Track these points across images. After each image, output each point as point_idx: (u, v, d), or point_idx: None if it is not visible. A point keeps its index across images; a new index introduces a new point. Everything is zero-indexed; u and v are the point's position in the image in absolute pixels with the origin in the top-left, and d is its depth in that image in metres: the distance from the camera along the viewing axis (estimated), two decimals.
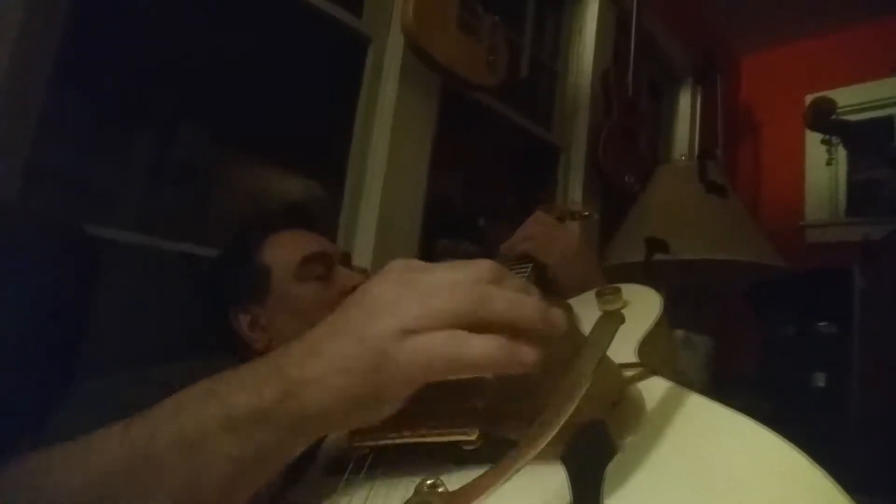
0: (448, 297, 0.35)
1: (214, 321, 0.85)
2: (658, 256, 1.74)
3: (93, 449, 0.38)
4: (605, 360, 0.36)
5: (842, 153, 2.89)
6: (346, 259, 0.90)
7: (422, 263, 0.39)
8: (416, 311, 0.35)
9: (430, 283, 0.36)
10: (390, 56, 1.51)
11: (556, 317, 0.36)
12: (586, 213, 0.98)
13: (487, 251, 1.73)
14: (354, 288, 0.80)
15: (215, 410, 0.36)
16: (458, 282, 0.36)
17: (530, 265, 0.78)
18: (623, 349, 0.44)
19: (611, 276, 0.83)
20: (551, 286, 0.83)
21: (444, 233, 1.63)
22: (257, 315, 0.83)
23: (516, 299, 0.36)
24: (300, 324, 0.79)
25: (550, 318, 0.36)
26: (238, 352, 0.81)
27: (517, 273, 0.76)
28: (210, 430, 0.35)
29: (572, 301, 0.61)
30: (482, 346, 0.34)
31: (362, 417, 0.37)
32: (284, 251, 0.85)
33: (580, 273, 0.82)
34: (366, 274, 0.89)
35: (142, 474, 0.36)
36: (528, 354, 0.34)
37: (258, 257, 0.85)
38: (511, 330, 0.35)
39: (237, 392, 0.36)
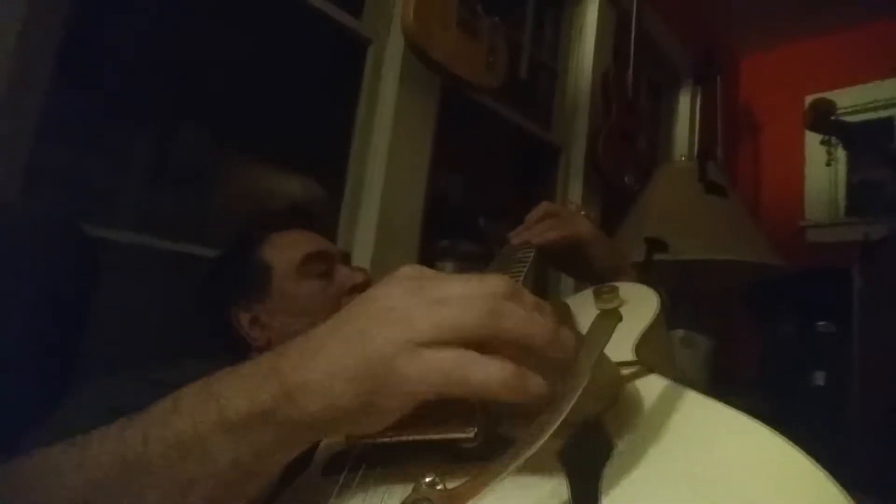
0: (461, 311, 0.34)
1: (215, 320, 0.85)
2: (657, 256, 1.74)
3: (89, 449, 0.38)
4: (602, 358, 0.36)
5: (841, 154, 2.89)
6: (346, 258, 0.91)
7: (433, 272, 0.38)
8: (427, 324, 0.34)
9: (442, 295, 0.35)
10: (390, 57, 1.51)
11: (567, 339, 0.36)
12: (584, 213, 0.98)
13: (488, 251, 1.73)
14: (354, 287, 0.80)
15: (211, 412, 0.35)
16: (471, 295, 0.35)
17: (533, 251, 0.77)
18: (620, 347, 0.44)
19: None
20: (580, 260, 0.83)
21: (444, 233, 1.63)
22: (258, 313, 0.83)
23: (530, 319, 0.35)
24: (300, 322, 0.80)
25: (562, 341, 0.35)
26: (238, 351, 0.82)
27: (521, 258, 0.75)
28: (205, 433, 0.35)
29: (569, 299, 0.61)
30: (492, 371, 0.33)
31: (360, 426, 0.36)
32: (286, 250, 0.85)
33: (611, 247, 0.84)
34: (365, 272, 0.89)
35: (136, 475, 0.35)
36: (536, 385, 0.33)
37: (259, 256, 0.85)
38: (521, 349, 0.34)
39: (233, 394, 0.36)
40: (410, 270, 0.38)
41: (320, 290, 0.83)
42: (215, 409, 0.35)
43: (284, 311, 0.83)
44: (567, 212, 0.87)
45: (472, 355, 0.33)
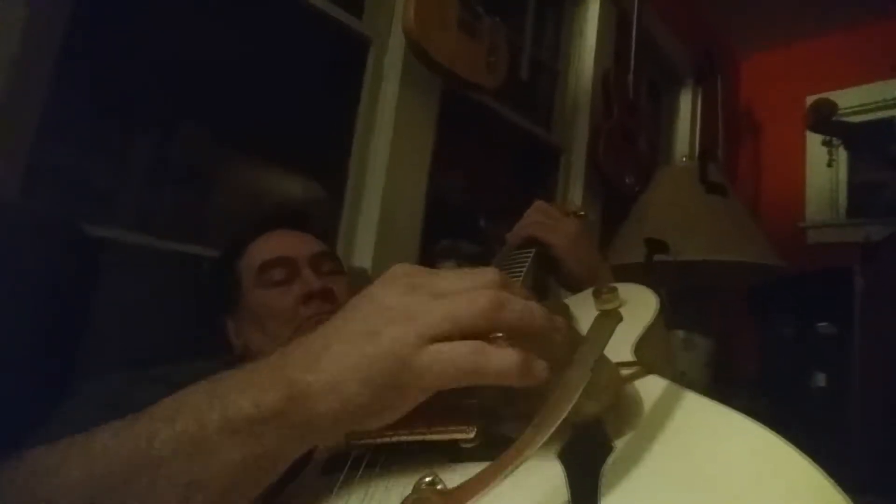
0: (465, 304, 0.35)
1: (212, 324, 0.86)
2: (658, 257, 1.74)
3: (92, 447, 0.38)
4: (602, 359, 0.36)
5: (843, 154, 2.89)
6: (316, 260, 0.84)
7: (425, 269, 0.39)
8: (433, 318, 0.35)
9: (440, 290, 0.37)
10: (391, 57, 1.51)
11: (561, 323, 0.38)
12: (582, 213, 0.98)
13: (488, 251, 1.72)
14: (310, 294, 0.78)
15: (216, 414, 0.35)
16: (470, 288, 0.36)
17: (533, 251, 0.78)
18: (620, 348, 0.44)
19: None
20: (555, 268, 0.83)
21: (444, 233, 1.63)
22: (237, 322, 0.84)
23: (528, 307, 0.36)
24: (259, 331, 0.79)
25: (558, 325, 0.37)
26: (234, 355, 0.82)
27: (520, 259, 0.76)
28: (210, 434, 0.35)
29: (569, 300, 0.61)
30: (504, 359, 0.34)
31: (370, 423, 0.37)
32: (250, 258, 0.84)
33: (583, 254, 0.83)
34: (341, 275, 0.87)
35: (141, 474, 0.35)
36: (541, 369, 0.35)
37: (236, 265, 0.85)
38: (520, 336, 0.36)
39: (238, 395, 0.36)
40: (402, 269, 0.39)
41: (277, 298, 0.80)
42: (220, 411, 0.35)
43: (248, 320, 0.82)
44: (550, 216, 0.87)
45: (484, 345, 0.34)
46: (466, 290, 0.36)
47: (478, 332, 0.35)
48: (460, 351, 0.34)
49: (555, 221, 0.85)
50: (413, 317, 0.35)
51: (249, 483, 0.37)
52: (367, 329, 0.36)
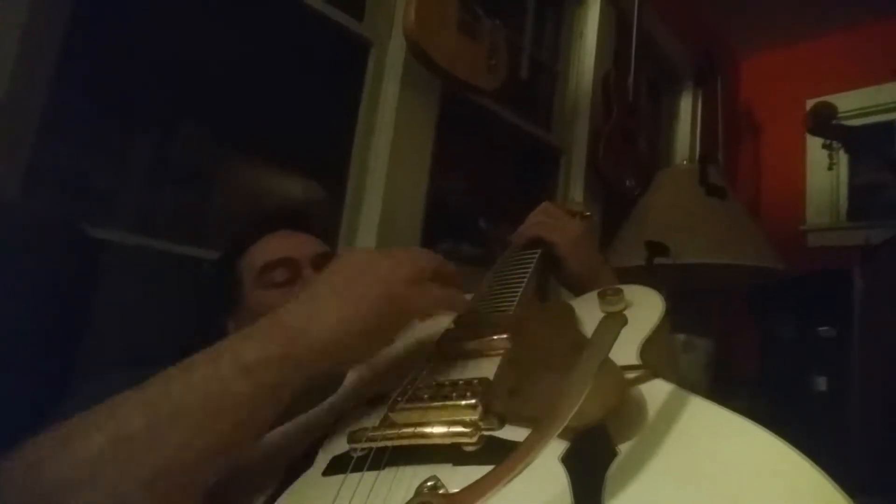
0: (426, 259, 0.52)
1: (213, 325, 0.85)
2: (658, 260, 1.74)
3: (110, 413, 0.40)
4: (607, 362, 0.36)
5: (843, 157, 2.88)
6: (318, 261, 0.84)
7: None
8: (405, 269, 0.49)
9: (401, 253, 0.51)
10: (391, 59, 1.51)
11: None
12: (588, 214, 0.98)
13: (489, 252, 1.72)
14: None
15: (227, 362, 0.41)
16: (419, 251, 0.53)
17: (538, 252, 0.78)
18: (625, 351, 0.44)
19: None
20: (557, 267, 0.83)
21: (445, 234, 1.63)
22: (238, 322, 0.83)
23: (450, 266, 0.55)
24: None
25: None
26: None
27: (525, 259, 0.76)
28: (224, 376, 0.41)
29: (574, 302, 0.60)
30: (460, 297, 0.55)
31: (366, 348, 0.48)
32: (251, 259, 0.84)
33: (585, 255, 0.83)
34: None
35: (161, 421, 0.39)
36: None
37: (237, 265, 0.85)
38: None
39: (246, 343, 0.43)
40: (351, 249, 0.50)
41: (278, 299, 0.77)
42: (231, 358, 0.41)
43: (249, 320, 0.81)
44: (553, 216, 0.86)
45: (449, 289, 0.53)
46: (417, 252, 0.53)
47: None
48: (438, 290, 0.51)
49: (557, 221, 0.85)
50: (396, 269, 0.49)
51: (262, 412, 0.43)
52: (365, 277, 0.48)
